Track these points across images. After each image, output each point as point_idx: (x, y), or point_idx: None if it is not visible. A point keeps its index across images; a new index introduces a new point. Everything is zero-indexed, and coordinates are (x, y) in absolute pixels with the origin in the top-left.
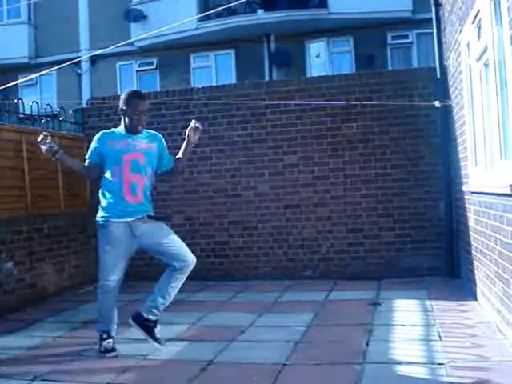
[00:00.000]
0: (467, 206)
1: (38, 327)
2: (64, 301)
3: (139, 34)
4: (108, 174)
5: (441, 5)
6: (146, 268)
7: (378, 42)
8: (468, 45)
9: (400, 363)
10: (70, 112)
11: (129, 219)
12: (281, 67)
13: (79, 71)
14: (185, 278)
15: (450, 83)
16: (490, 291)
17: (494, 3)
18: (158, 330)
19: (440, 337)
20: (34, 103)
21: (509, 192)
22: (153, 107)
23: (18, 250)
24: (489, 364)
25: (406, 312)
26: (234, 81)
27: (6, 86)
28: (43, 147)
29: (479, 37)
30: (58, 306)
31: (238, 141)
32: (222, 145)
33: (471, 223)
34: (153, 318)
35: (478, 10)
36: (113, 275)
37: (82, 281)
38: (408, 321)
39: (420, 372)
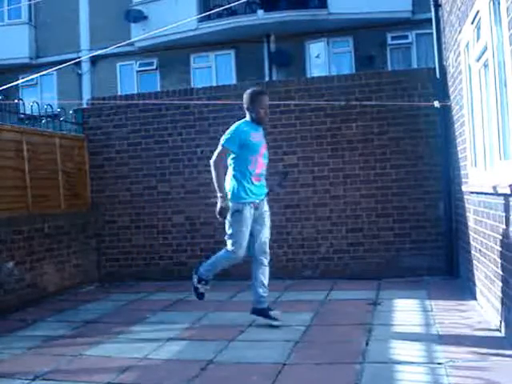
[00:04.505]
0: (467, 205)
1: (39, 327)
2: (64, 300)
3: (139, 35)
4: (244, 162)
5: (440, 5)
6: (146, 268)
7: (378, 43)
8: (467, 45)
9: (400, 363)
10: (71, 112)
11: (257, 200)
12: (281, 67)
13: (79, 71)
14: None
15: (450, 83)
16: (490, 291)
17: (494, 3)
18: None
19: (439, 336)
20: (35, 103)
21: (508, 192)
22: (153, 107)
23: (19, 250)
24: (488, 364)
25: (406, 312)
26: (234, 81)
27: (7, 86)
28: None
29: (478, 37)
30: (59, 306)
31: None
32: None
33: (471, 223)
34: (263, 305)
35: (478, 11)
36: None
37: (82, 280)
38: (408, 320)
39: (419, 372)
